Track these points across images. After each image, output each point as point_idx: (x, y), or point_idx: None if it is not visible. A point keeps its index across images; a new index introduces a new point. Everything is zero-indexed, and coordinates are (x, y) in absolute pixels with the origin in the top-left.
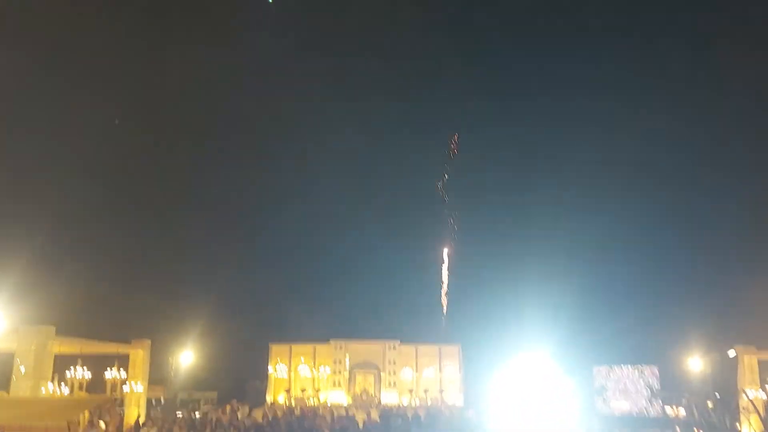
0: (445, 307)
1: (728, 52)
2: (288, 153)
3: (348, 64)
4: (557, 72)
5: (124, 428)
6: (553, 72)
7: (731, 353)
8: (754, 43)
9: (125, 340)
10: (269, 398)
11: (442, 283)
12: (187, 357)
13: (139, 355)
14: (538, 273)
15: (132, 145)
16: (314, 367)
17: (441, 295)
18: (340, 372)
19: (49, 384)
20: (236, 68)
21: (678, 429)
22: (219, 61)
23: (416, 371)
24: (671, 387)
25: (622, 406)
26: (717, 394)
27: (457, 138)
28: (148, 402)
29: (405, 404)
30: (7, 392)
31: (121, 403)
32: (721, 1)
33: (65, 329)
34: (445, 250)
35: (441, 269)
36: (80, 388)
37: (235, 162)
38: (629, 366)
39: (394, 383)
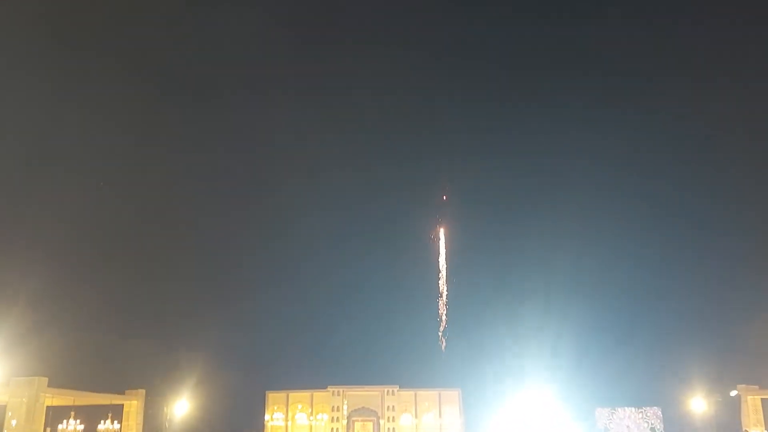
0: (443, 345)
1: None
2: (281, 201)
3: (343, 106)
4: (557, 106)
5: None
6: (552, 106)
7: (734, 393)
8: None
9: (119, 389)
10: None
11: (440, 321)
12: (182, 406)
13: (133, 405)
14: (537, 313)
15: (129, 198)
16: (312, 414)
17: (439, 336)
18: (338, 419)
19: None
20: (225, 121)
21: None
22: (212, 114)
23: (416, 417)
24: (675, 428)
25: None
26: None
27: (450, 180)
28: None
29: None
30: None
31: None
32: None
33: (58, 379)
34: (443, 289)
35: (438, 308)
36: None
37: (230, 210)
38: (633, 408)
39: (394, 429)
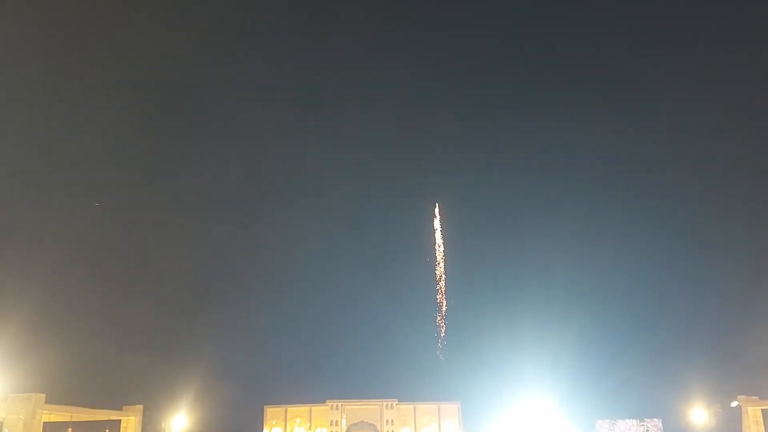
0: (442, 358)
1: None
2: (280, 216)
3: (338, 121)
4: (555, 121)
5: None
6: (550, 122)
7: (734, 404)
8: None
9: (117, 404)
10: None
11: (439, 334)
12: (180, 421)
13: (130, 421)
14: (536, 325)
15: (126, 213)
16: (310, 429)
17: (438, 349)
18: None
19: None
20: (225, 138)
21: None
22: (207, 126)
23: (415, 430)
24: None
25: None
26: None
27: (444, 191)
28: None
29: None
30: None
31: None
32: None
33: (56, 395)
34: (441, 302)
35: (437, 321)
36: None
37: (229, 226)
38: (634, 420)
39: None
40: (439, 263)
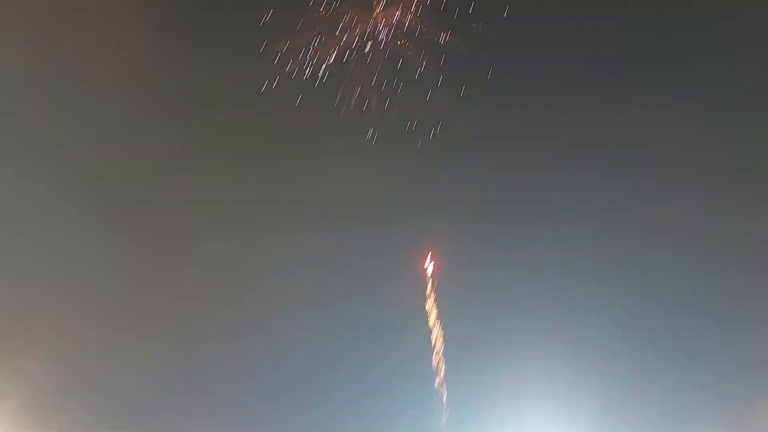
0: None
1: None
2: (259, 294)
3: (328, 167)
4: (558, 141)
5: None
6: (554, 142)
7: None
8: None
9: None
10: None
11: (441, 407)
12: None
13: None
14: (543, 392)
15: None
16: None
17: (439, 423)
18: None
19: None
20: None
21: None
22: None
23: None
24: None
25: None
26: None
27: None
28: None
29: None
30: None
31: None
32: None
33: None
34: (443, 393)
35: (436, 396)
36: None
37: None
38: None
39: None
40: (438, 352)
